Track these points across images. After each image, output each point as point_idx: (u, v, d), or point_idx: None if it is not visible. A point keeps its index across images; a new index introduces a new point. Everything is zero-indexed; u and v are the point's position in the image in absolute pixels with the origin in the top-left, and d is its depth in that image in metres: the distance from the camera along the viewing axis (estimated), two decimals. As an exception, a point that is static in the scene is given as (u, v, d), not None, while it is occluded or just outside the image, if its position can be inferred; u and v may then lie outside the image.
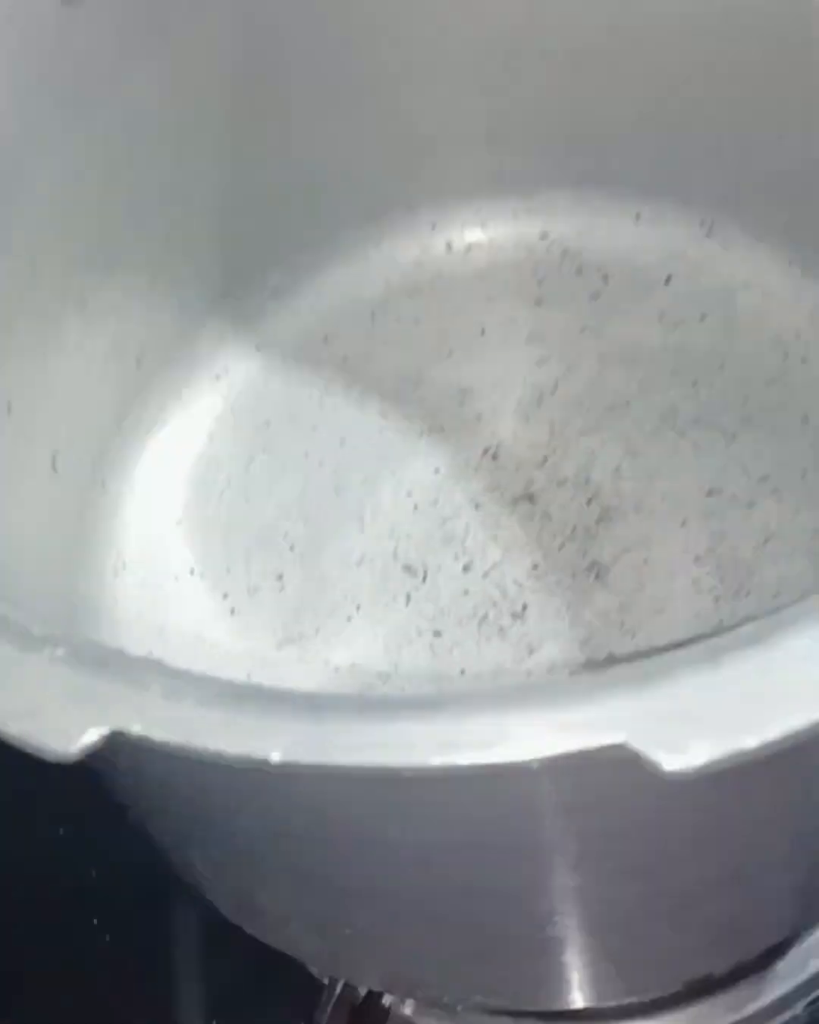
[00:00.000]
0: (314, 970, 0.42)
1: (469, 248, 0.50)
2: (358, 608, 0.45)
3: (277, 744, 0.21)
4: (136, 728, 0.22)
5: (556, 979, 0.35)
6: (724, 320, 0.47)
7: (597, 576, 0.44)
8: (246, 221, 0.47)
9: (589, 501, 0.45)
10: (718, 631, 0.29)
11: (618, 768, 0.20)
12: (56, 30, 0.38)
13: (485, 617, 0.44)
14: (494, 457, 0.47)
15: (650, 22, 0.42)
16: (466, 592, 0.44)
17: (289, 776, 0.22)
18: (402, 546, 0.45)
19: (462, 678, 0.43)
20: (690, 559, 0.43)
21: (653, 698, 0.20)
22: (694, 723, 0.20)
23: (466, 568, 0.45)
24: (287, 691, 0.22)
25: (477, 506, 0.46)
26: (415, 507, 0.46)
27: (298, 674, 0.44)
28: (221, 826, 0.29)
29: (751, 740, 0.20)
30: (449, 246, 0.50)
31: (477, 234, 0.50)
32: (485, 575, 0.45)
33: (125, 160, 0.42)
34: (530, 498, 0.46)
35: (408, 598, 0.45)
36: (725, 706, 0.20)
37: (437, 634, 0.44)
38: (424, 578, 0.45)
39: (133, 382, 0.47)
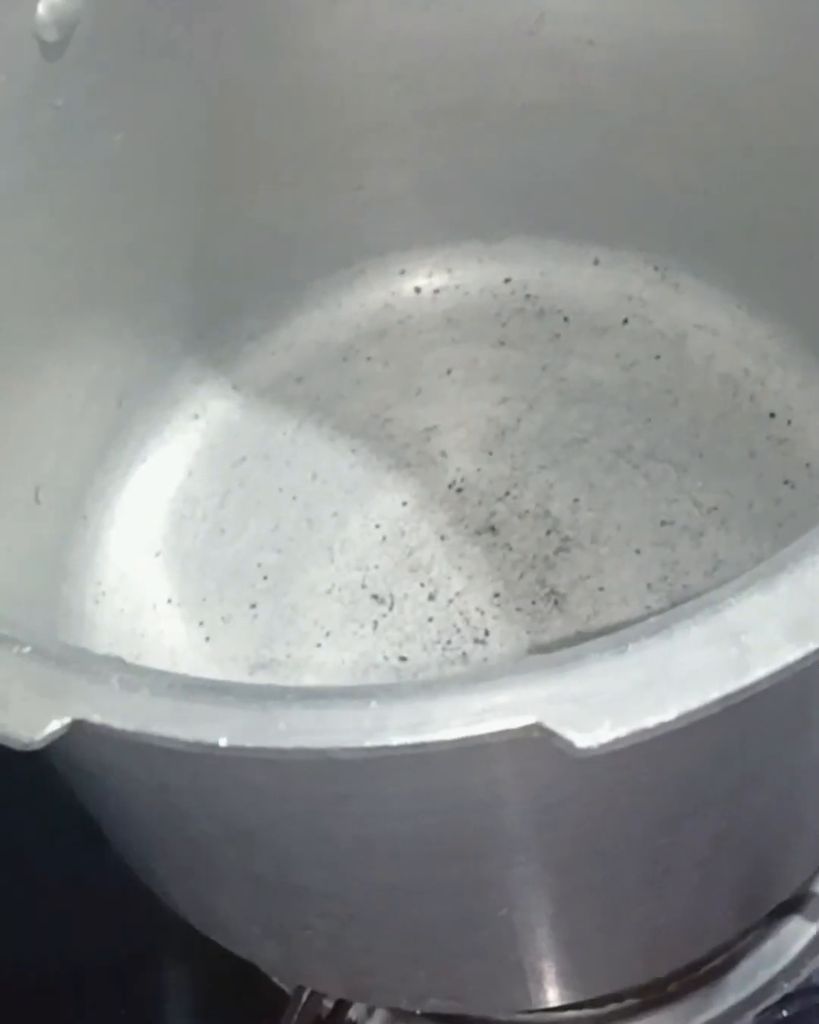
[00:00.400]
0: (279, 981, 0.44)
1: (436, 292, 0.53)
2: (327, 635, 0.47)
3: (224, 729, 0.23)
4: (96, 717, 0.24)
5: (506, 979, 0.36)
6: (677, 360, 0.50)
7: (555, 603, 0.46)
8: (222, 268, 0.49)
9: (548, 532, 0.47)
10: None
11: (534, 748, 0.22)
12: (36, 84, 0.40)
13: (449, 642, 0.46)
14: (459, 491, 0.49)
15: (598, 82, 0.45)
16: (431, 619, 0.46)
17: (238, 764, 0.24)
18: (370, 576, 0.48)
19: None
20: (643, 586, 0.46)
21: (564, 683, 0.22)
22: (601, 705, 0.22)
23: (431, 596, 0.47)
24: (234, 683, 0.24)
25: (442, 537, 0.48)
26: (383, 538, 0.48)
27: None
28: (178, 826, 0.31)
29: (651, 719, 0.22)
30: (417, 290, 0.53)
31: (444, 279, 0.53)
32: (449, 603, 0.47)
33: (103, 209, 0.44)
34: (492, 530, 0.48)
35: (375, 625, 0.47)
36: (630, 689, 0.22)
37: (403, 659, 0.46)
38: (391, 606, 0.47)
39: (114, 419, 0.49)
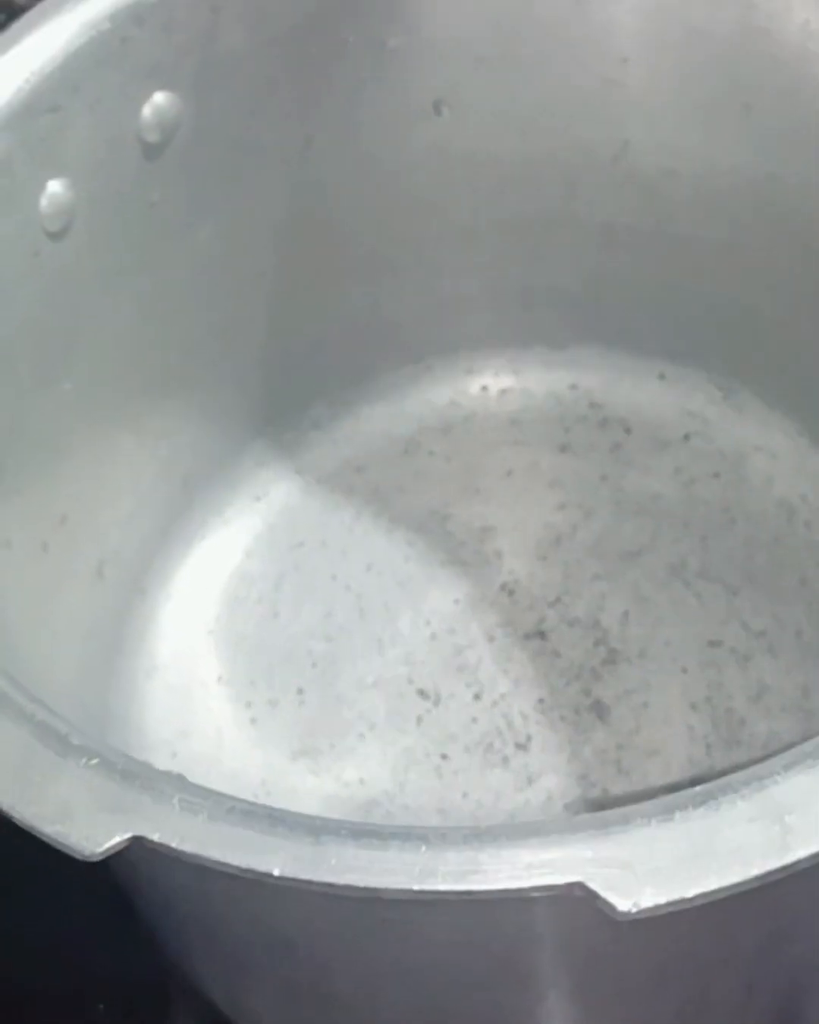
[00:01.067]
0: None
1: (502, 392, 0.54)
2: (371, 727, 0.47)
3: (277, 860, 0.24)
4: (155, 836, 0.25)
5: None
6: (735, 480, 0.50)
7: (599, 715, 0.47)
8: (293, 359, 0.51)
9: (596, 643, 0.48)
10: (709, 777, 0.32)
11: (576, 905, 0.23)
12: (136, 182, 0.41)
13: (491, 745, 0.46)
14: (510, 593, 0.50)
15: (676, 209, 0.46)
16: (474, 720, 0.47)
17: (286, 890, 0.25)
18: (417, 671, 0.48)
19: (464, 801, 0.45)
20: (687, 706, 0.46)
21: (611, 846, 0.23)
22: (645, 872, 0.23)
23: (476, 697, 0.48)
24: (290, 813, 0.25)
25: (491, 639, 0.49)
26: (433, 635, 0.49)
27: (309, 785, 0.46)
28: (222, 931, 0.32)
29: (693, 890, 0.23)
30: (484, 389, 0.54)
31: (510, 381, 0.54)
32: (494, 705, 0.47)
33: (186, 300, 0.45)
34: (541, 635, 0.49)
35: (419, 721, 0.47)
36: (674, 859, 0.23)
37: (444, 757, 0.46)
38: (436, 703, 0.48)
39: (179, 499, 0.50)
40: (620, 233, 0.48)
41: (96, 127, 0.39)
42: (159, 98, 0.39)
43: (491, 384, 0.54)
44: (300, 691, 0.48)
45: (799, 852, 0.23)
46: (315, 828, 0.24)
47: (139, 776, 0.26)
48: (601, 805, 0.44)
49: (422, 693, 0.48)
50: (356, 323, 0.51)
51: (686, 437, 0.52)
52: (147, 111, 0.40)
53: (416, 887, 0.23)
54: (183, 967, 0.38)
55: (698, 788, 0.24)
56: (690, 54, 0.42)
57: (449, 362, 0.54)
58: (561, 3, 0.43)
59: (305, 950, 0.30)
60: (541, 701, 0.47)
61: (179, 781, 0.26)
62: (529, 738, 0.46)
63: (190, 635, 0.50)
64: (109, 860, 0.30)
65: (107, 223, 0.41)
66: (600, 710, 0.46)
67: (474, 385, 0.54)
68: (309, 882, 0.24)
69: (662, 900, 0.23)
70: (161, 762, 0.47)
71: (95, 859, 0.25)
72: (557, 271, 0.50)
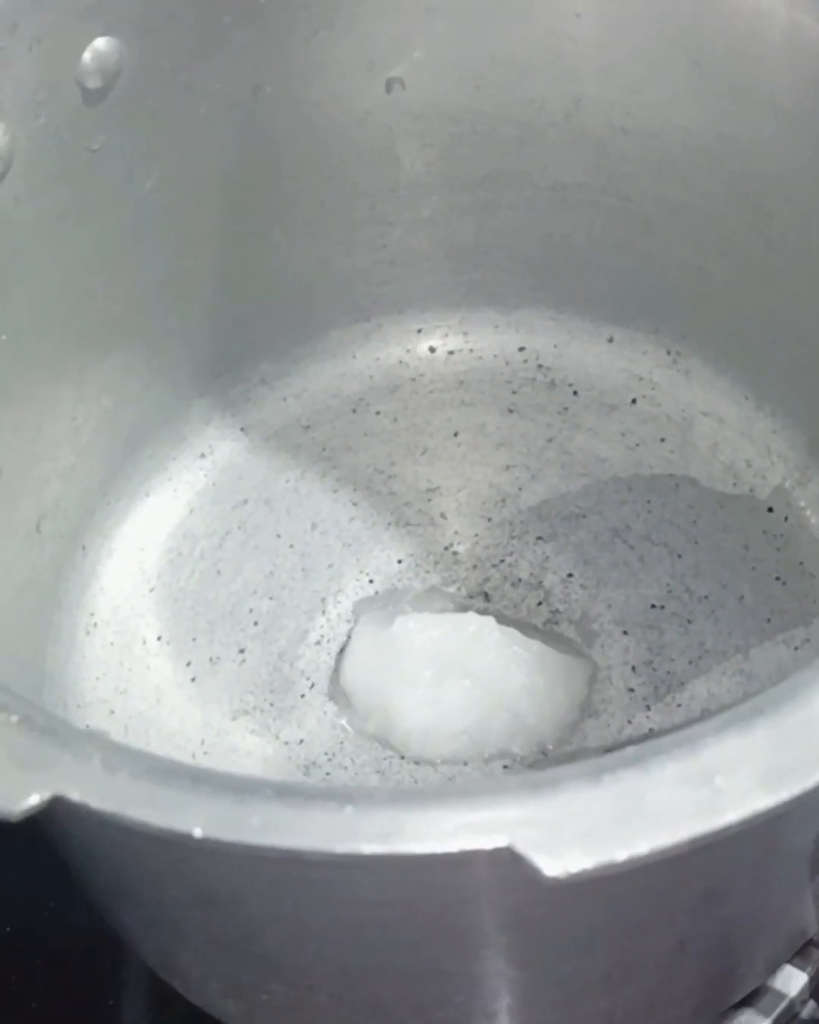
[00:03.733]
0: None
1: (451, 354, 0.53)
2: (312, 686, 0.47)
3: (198, 820, 0.23)
4: (75, 795, 0.24)
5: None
6: (681, 444, 0.50)
7: (540, 676, 0.46)
8: (241, 313, 0.50)
9: (539, 603, 0.48)
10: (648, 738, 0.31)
11: (505, 868, 0.23)
12: (75, 127, 0.40)
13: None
14: (454, 553, 0.49)
15: (627, 168, 0.46)
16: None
17: (210, 850, 0.25)
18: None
19: (403, 762, 0.45)
20: (628, 668, 0.46)
21: (538, 807, 0.23)
22: (573, 834, 0.23)
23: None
24: (213, 772, 0.24)
25: (434, 598, 0.49)
26: (375, 594, 0.49)
27: (249, 744, 0.46)
28: (148, 890, 0.31)
29: (622, 853, 0.22)
30: (432, 350, 0.53)
31: (459, 342, 0.53)
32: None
33: (130, 249, 0.44)
34: (485, 595, 0.48)
35: (360, 680, 0.47)
36: (602, 820, 0.23)
37: (385, 717, 0.46)
38: (377, 662, 0.47)
39: (121, 453, 0.50)
40: (571, 192, 0.47)
41: (34, 70, 0.38)
42: (100, 43, 0.38)
43: (440, 345, 0.53)
44: (242, 650, 0.48)
45: (729, 816, 0.23)
46: (238, 788, 0.24)
47: (59, 734, 0.25)
48: (540, 767, 0.44)
49: (364, 653, 0.47)
50: (305, 279, 0.51)
51: (633, 401, 0.51)
52: (88, 56, 0.39)
53: (339, 849, 0.23)
54: (114, 923, 0.38)
55: (629, 749, 0.24)
56: (641, 9, 0.41)
57: (399, 322, 0.53)
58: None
59: (232, 909, 0.30)
60: (483, 661, 0.47)
61: (101, 739, 0.25)
62: (470, 699, 0.46)
63: (131, 592, 0.49)
64: (36, 817, 0.30)
65: (46, 169, 0.40)
66: (541, 672, 0.46)
67: (423, 345, 0.53)
68: (230, 844, 0.23)
69: (590, 864, 0.22)
70: (99, 720, 0.46)
71: (14, 819, 0.24)
72: (508, 230, 0.50)
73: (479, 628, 0.45)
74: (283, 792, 0.24)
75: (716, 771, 0.23)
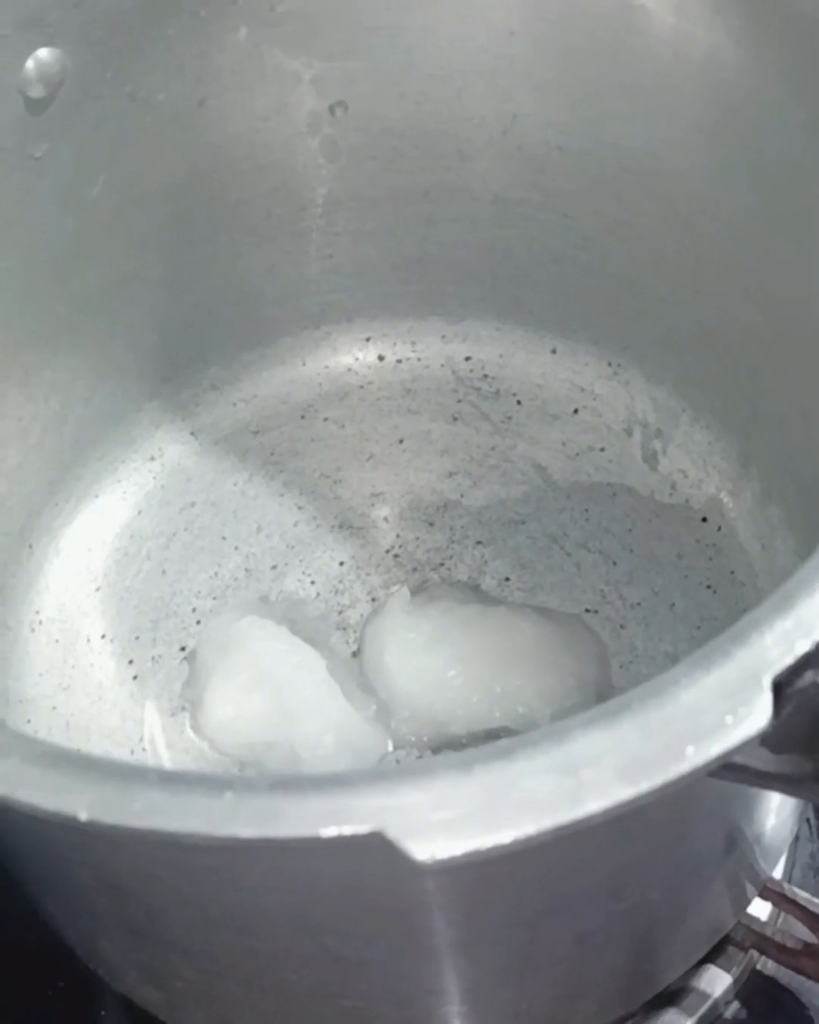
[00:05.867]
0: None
1: (399, 362, 0.54)
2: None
3: (83, 803, 0.24)
4: (-36, 777, 0.25)
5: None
6: (620, 454, 0.51)
7: (473, 676, 0.47)
8: (189, 318, 0.51)
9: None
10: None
11: (379, 851, 0.24)
12: (18, 134, 0.41)
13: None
14: (395, 556, 0.50)
15: (564, 184, 0.47)
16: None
17: (105, 835, 0.26)
18: (300, 629, 0.49)
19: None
20: (559, 670, 0.47)
21: (409, 794, 0.24)
22: (440, 822, 0.23)
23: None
24: (102, 758, 0.25)
25: (373, 599, 0.49)
26: (317, 594, 0.50)
27: (187, 741, 0.47)
28: (61, 877, 0.32)
29: (487, 840, 0.23)
30: (380, 358, 0.54)
31: (407, 351, 0.54)
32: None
33: (76, 254, 0.45)
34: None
35: (299, 678, 0.48)
36: (469, 808, 0.24)
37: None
38: (316, 661, 0.48)
39: (69, 454, 0.51)
40: (512, 206, 0.48)
41: (-26, 78, 0.39)
42: (42, 53, 0.39)
43: (388, 353, 0.54)
44: (183, 648, 0.49)
45: (590, 806, 0.23)
46: (124, 773, 0.25)
47: (-44, 718, 0.26)
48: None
49: (302, 652, 0.48)
50: (253, 285, 0.52)
51: (575, 411, 0.52)
52: (30, 65, 0.40)
53: (217, 833, 0.24)
54: (41, 912, 0.38)
55: (501, 742, 0.24)
56: (570, 29, 0.42)
57: (348, 330, 0.54)
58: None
59: (137, 895, 0.31)
60: (418, 661, 0.48)
61: (-1, 726, 0.26)
62: (405, 695, 0.47)
63: (76, 591, 0.50)
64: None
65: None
66: (475, 673, 0.47)
67: (371, 354, 0.54)
68: (113, 827, 0.24)
69: (458, 851, 0.23)
70: (41, 716, 0.47)
71: None
72: (453, 242, 0.51)
73: (303, 659, 0.46)
74: (166, 779, 0.25)
75: (581, 764, 0.24)
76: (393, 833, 0.23)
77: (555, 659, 0.46)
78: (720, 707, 0.24)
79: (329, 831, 0.24)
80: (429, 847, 0.23)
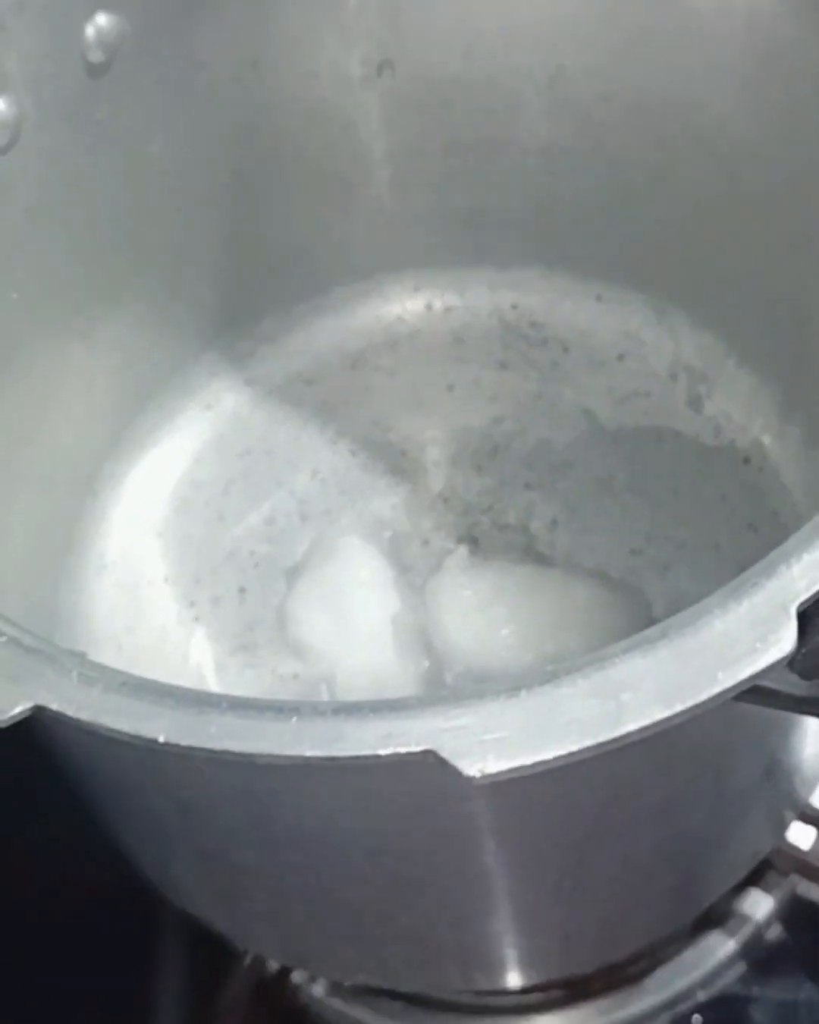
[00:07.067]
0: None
1: (447, 310, 0.56)
2: (309, 626, 0.50)
3: (161, 727, 0.26)
4: (54, 705, 0.27)
5: (427, 963, 0.40)
6: (665, 399, 0.52)
7: (523, 616, 0.49)
8: (245, 272, 0.52)
9: (525, 548, 0.50)
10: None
11: (433, 769, 0.26)
12: (81, 98, 0.43)
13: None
14: (446, 501, 0.52)
15: (609, 134, 0.48)
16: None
17: (180, 757, 0.28)
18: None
19: (388, 694, 0.48)
20: (607, 609, 0.48)
21: (461, 717, 0.26)
22: (489, 741, 0.25)
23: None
24: (178, 687, 0.27)
25: (426, 542, 0.51)
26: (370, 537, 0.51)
27: (247, 679, 0.49)
28: (135, 800, 0.34)
29: (531, 758, 0.25)
30: (429, 307, 0.56)
31: (455, 299, 0.55)
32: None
33: (138, 211, 0.47)
34: (473, 540, 0.51)
35: (353, 617, 0.50)
36: (517, 729, 0.25)
37: (376, 651, 0.49)
38: (370, 603, 0.50)
39: (131, 405, 0.52)
40: (559, 156, 0.49)
41: (40, 46, 0.40)
42: (101, 19, 0.41)
43: (437, 302, 0.56)
44: (242, 590, 0.51)
45: (629, 726, 0.25)
46: (199, 700, 0.27)
47: (43, 652, 0.28)
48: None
49: (357, 593, 0.50)
50: (306, 239, 0.53)
51: (620, 357, 0.53)
52: (90, 31, 0.41)
53: (285, 752, 0.26)
54: (113, 838, 0.41)
55: (547, 668, 0.26)
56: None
57: (397, 280, 0.55)
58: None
59: (208, 818, 0.33)
60: (469, 602, 0.49)
61: (79, 658, 0.28)
62: (453, 635, 0.49)
63: (139, 536, 0.52)
64: (41, 742, 0.33)
65: (54, 139, 0.43)
66: (524, 611, 0.49)
67: (420, 303, 0.56)
68: (190, 748, 0.26)
69: (505, 766, 0.25)
70: (107, 656, 0.49)
71: (2, 726, 0.27)
72: (501, 193, 0.52)
73: (375, 596, 0.49)
74: (237, 704, 0.27)
75: (621, 687, 0.25)
76: (446, 752, 0.25)
77: (608, 623, 0.47)
78: (750, 635, 0.25)
79: (386, 750, 0.25)
80: (478, 764, 0.25)
